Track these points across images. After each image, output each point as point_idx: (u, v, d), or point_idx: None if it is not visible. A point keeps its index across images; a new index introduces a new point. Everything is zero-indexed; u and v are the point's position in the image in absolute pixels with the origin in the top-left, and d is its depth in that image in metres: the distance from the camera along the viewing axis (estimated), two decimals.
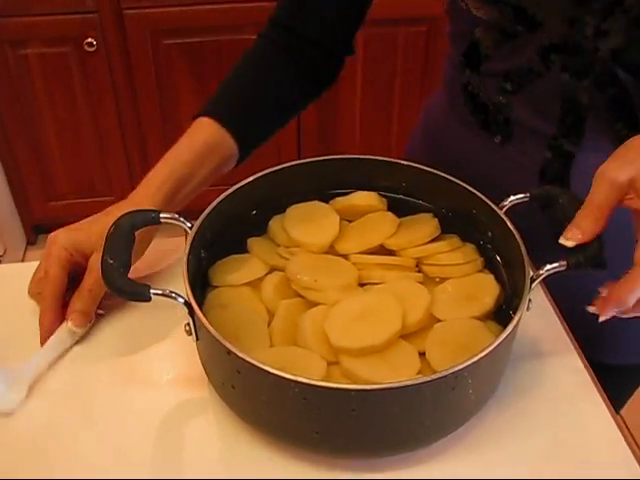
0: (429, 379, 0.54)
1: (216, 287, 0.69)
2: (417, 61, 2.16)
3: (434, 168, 0.75)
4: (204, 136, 0.80)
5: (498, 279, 0.69)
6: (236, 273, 0.70)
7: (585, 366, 0.71)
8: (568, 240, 0.58)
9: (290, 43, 0.85)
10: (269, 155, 2.22)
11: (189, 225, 0.67)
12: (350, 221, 0.76)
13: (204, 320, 0.57)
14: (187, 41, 2.03)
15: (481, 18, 0.78)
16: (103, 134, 2.17)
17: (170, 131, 2.18)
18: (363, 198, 0.77)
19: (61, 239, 0.71)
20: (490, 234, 0.72)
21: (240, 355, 0.55)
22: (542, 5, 0.73)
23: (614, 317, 0.57)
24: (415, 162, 0.78)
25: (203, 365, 0.65)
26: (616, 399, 1.01)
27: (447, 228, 0.75)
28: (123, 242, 0.63)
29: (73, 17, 1.95)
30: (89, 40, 1.97)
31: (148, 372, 0.70)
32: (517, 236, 0.65)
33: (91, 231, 0.72)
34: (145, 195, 0.74)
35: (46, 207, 2.30)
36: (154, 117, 2.16)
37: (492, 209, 0.69)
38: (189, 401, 0.67)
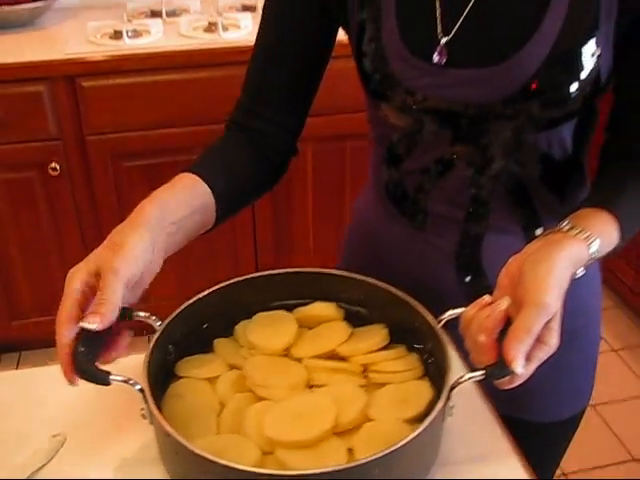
0: (336, 469, 0.61)
1: (179, 378, 0.78)
2: (363, 173, 2.29)
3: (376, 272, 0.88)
4: (186, 180, 0.88)
5: (435, 385, 0.76)
6: (198, 369, 0.80)
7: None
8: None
9: (251, 138, 0.98)
10: (228, 264, 2.34)
11: (158, 323, 0.76)
12: (310, 328, 0.86)
13: (152, 405, 0.66)
14: (146, 163, 2.15)
15: (397, 125, 0.91)
16: (66, 253, 2.24)
17: None
18: (322, 309, 0.88)
19: (77, 274, 0.75)
20: (430, 345, 0.79)
21: (176, 437, 0.62)
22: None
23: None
24: (349, 252, 0.97)
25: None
26: (554, 453, 1.10)
27: (396, 338, 0.84)
28: (96, 334, 0.69)
29: (38, 144, 2.07)
30: (53, 165, 2.08)
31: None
32: (447, 348, 0.73)
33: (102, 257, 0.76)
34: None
35: (9, 326, 2.34)
36: None
37: (430, 323, 0.78)
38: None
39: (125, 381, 0.68)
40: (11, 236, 2.19)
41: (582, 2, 0.79)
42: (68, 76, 2.00)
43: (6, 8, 2.19)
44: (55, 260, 2.26)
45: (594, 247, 0.75)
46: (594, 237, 0.75)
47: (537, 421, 1.05)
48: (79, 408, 0.83)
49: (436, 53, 0.84)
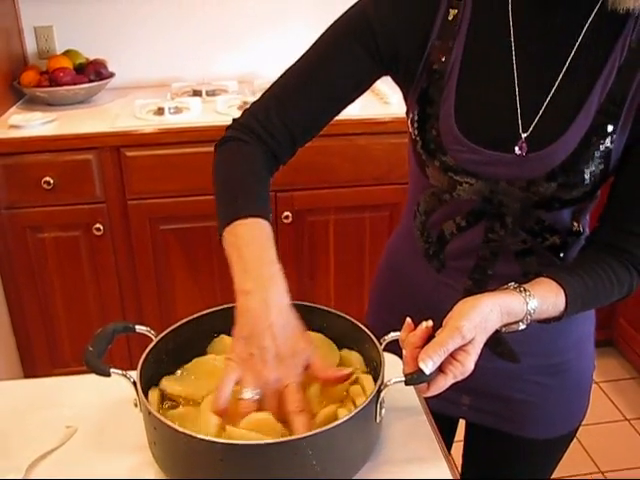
0: (274, 442, 0.77)
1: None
2: (382, 241, 2.47)
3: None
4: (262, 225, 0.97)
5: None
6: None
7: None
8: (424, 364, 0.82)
9: (263, 145, 1.05)
10: None
11: (155, 335, 0.95)
12: None
13: (140, 393, 0.84)
14: (180, 227, 2.36)
15: (434, 183, 1.06)
16: (105, 308, 2.45)
17: (165, 307, 2.47)
18: None
19: None
20: (376, 361, 0.94)
21: (153, 413, 0.80)
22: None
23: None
24: (379, 286, 1.21)
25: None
26: (545, 468, 1.27)
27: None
28: (104, 339, 0.92)
29: (85, 207, 2.30)
30: (97, 226, 2.31)
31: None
32: (383, 359, 0.89)
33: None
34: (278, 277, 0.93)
35: (51, 373, 2.52)
36: (151, 294, 2.45)
37: (375, 344, 0.93)
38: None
39: (123, 374, 0.86)
40: (56, 289, 2.40)
41: (610, 101, 0.95)
42: (114, 146, 2.23)
43: (66, 88, 2.46)
44: (95, 313, 2.45)
45: (532, 304, 0.90)
46: (532, 296, 0.90)
47: (532, 437, 1.19)
48: (89, 409, 1.01)
49: (517, 147, 0.97)
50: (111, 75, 2.63)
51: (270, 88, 1.08)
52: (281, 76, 1.08)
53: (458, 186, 1.03)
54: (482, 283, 1.09)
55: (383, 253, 1.30)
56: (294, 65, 1.07)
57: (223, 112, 2.34)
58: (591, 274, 0.97)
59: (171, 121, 2.29)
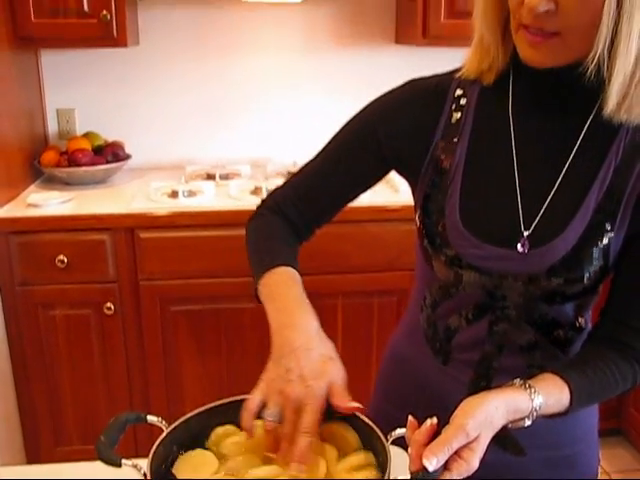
0: None
1: None
2: (390, 326, 2.47)
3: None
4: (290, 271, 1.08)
5: None
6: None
7: None
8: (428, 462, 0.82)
9: (289, 221, 1.18)
10: None
11: (166, 426, 0.96)
12: None
13: None
14: (191, 308, 2.38)
15: (440, 277, 1.09)
16: (112, 387, 2.45)
17: (172, 390, 2.46)
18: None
19: None
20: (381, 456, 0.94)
21: None
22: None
23: None
24: (383, 378, 1.26)
25: None
26: None
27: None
28: (116, 429, 0.93)
29: (97, 286, 2.33)
30: (108, 305, 2.33)
31: None
32: (390, 455, 0.90)
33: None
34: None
35: (54, 451, 2.51)
36: (159, 375, 2.45)
37: (382, 440, 0.93)
38: None
39: (134, 466, 0.88)
40: (64, 366, 2.41)
41: (607, 200, 0.98)
42: (129, 228, 2.28)
43: (84, 168, 2.54)
44: (101, 393, 2.45)
45: (537, 401, 0.90)
46: (538, 393, 0.91)
47: None
48: None
49: (520, 244, 1.01)
50: (128, 157, 2.70)
51: (291, 178, 1.22)
52: (301, 168, 1.21)
53: (464, 280, 1.05)
54: (487, 376, 1.10)
55: (388, 344, 1.32)
56: (313, 160, 1.20)
57: (235, 197, 2.40)
58: (595, 369, 0.98)
59: (184, 204, 2.34)
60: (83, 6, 2.36)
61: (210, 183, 2.52)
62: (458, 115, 1.07)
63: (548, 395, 0.92)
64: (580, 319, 1.08)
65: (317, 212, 1.20)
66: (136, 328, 2.39)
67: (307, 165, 1.20)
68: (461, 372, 1.13)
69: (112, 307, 2.34)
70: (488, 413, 0.86)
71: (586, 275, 0.99)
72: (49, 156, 2.59)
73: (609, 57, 0.88)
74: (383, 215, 2.34)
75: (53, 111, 2.81)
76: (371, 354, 2.52)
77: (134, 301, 2.36)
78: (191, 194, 2.41)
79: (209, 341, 2.42)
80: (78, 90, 2.80)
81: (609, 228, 0.98)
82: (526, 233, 1.01)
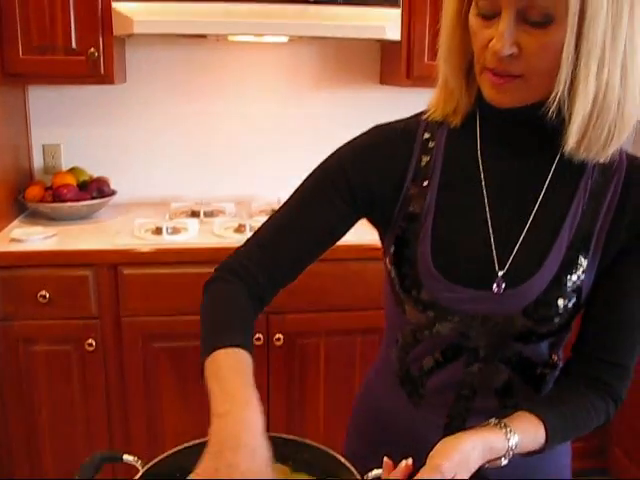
0: None
1: None
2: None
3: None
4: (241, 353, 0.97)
5: None
6: None
7: None
8: None
9: (246, 286, 1.08)
10: None
11: (142, 465, 0.95)
12: None
13: None
14: (173, 345, 2.38)
15: (412, 320, 1.09)
16: (91, 424, 2.42)
17: (153, 428, 2.43)
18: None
19: None
20: None
21: None
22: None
23: None
24: (356, 418, 1.24)
25: None
26: None
27: None
28: (92, 468, 0.94)
29: (79, 322, 2.32)
30: (90, 341, 2.32)
31: None
32: None
33: None
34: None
35: None
36: (139, 413, 2.43)
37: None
38: None
39: None
40: (43, 402, 2.38)
41: (579, 237, 1.01)
42: (112, 264, 2.28)
43: (69, 204, 2.54)
44: (81, 429, 2.42)
45: (513, 441, 0.92)
46: (514, 432, 0.92)
47: None
48: None
49: (495, 285, 1.02)
50: (113, 193, 2.71)
51: (255, 233, 1.13)
52: (265, 222, 1.13)
53: (437, 323, 1.06)
54: (461, 418, 1.11)
55: (362, 384, 1.32)
56: (277, 212, 1.12)
57: (219, 234, 2.40)
58: (569, 406, 1.00)
59: (168, 241, 2.35)
60: (71, 43, 2.39)
61: (194, 220, 2.53)
62: (427, 158, 1.07)
63: (524, 434, 0.93)
64: (554, 356, 1.10)
65: (283, 272, 1.11)
66: (117, 364, 2.38)
67: (271, 219, 1.13)
68: (435, 414, 1.13)
69: (93, 343, 2.32)
70: (464, 454, 0.87)
71: (560, 312, 1.01)
72: (34, 191, 2.59)
73: (569, 98, 0.91)
74: (366, 253, 2.34)
75: (39, 146, 2.83)
76: (353, 393, 2.51)
77: (116, 337, 2.35)
78: (175, 231, 2.42)
79: (191, 378, 2.40)
80: (64, 126, 2.82)
81: (582, 265, 1.01)
82: (501, 273, 1.03)
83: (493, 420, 0.94)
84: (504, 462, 0.92)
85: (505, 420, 0.94)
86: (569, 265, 1.01)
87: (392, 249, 1.09)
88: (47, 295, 2.26)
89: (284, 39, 2.63)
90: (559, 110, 0.92)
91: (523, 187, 1.04)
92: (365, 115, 2.80)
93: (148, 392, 2.41)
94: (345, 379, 2.50)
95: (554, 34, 0.88)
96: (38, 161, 2.84)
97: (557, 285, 1.00)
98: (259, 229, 1.13)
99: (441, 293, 1.04)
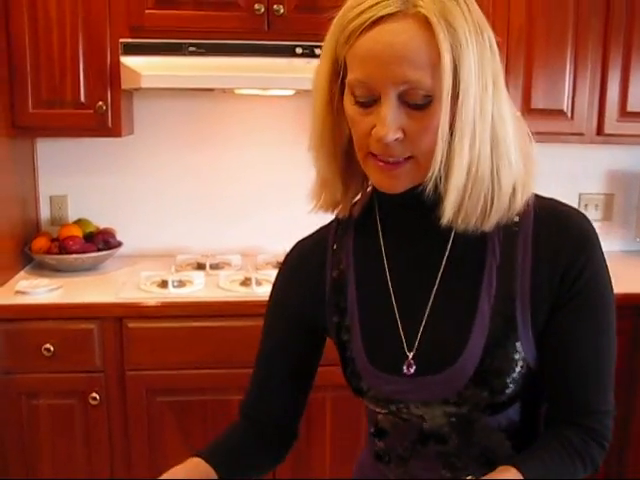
0: None
1: None
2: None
3: None
4: (195, 461, 1.06)
5: None
6: None
7: None
8: None
9: (255, 428, 1.16)
10: None
11: None
12: None
13: None
14: (177, 399, 2.35)
15: (377, 411, 1.09)
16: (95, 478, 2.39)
17: None
18: None
19: None
20: None
21: None
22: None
23: None
24: None
25: None
26: None
27: None
28: None
29: (83, 375, 2.30)
30: (94, 395, 2.30)
31: None
32: None
33: None
34: None
35: None
36: (143, 467, 2.39)
37: None
38: None
39: None
40: (45, 457, 2.35)
41: (500, 320, 0.98)
42: (117, 317, 2.27)
43: (74, 256, 2.54)
44: None
45: None
46: None
47: None
48: None
49: (405, 366, 1.02)
50: (119, 244, 2.71)
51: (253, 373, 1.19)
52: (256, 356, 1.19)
53: (389, 413, 1.06)
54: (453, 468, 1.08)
55: (355, 464, 1.30)
56: (259, 346, 1.18)
57: (225, 287, 2.40)
58: (551, 453, 0.97)
59: (174, 294, 2.34)
60: (80, 97, 2.42)
61: (200, 273, 2.53)
62: (340, 266, 1.10)
63: None
64: (526, 420, 1.06)
65: (282, 404, 1.17)
66: (121, 419, 2.35)
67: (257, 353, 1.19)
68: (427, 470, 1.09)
69: (97, 397, 2.30)
70: None
71: (509, 380, 0.98)
72: (40, 242, 2.60)
73: (445, 174, 0.91)
74: None
75: (46, 197, 2.84)
76: (360, 448, 2.47)
77: (120, 391, 2.32)
78: (181, 284, 2.41)
79: (196, 433, 2.37)
80: (71, 177, 2.83)
81: (513, 328, 0.98)
82: (410, 354, 1.02)
83: (470, 477, 0.92)
84: None
85: (485, 477, 0.92)
86: (500, 332, 0.98)
87: (340, 357, 1.11)
88: (51, 348, 2.24)
89: (290, 92, 2.66)
90: (436, 186, 0.93)
91: (423, 266, 1.04)
92: None
93: (152, 447, 2.38)
94: (352, 435, 2.46)
95: (435, 114, 0.89)
96: (45, 212, 2.85)
97: (493, 355, 0.98)
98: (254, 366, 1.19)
99: (383, 387, 1.04)
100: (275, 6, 2.39)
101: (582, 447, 0.98)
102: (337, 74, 0.97)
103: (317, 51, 2.37)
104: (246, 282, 2.41)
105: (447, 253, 1.02)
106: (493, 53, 0.92)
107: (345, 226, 1.12)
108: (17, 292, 2.32)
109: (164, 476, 1.00)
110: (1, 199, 2.44)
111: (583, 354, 0.99)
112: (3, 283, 2.44)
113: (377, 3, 0.88)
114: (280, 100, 2.86)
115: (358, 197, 1.09)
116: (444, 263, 1.02)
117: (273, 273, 2.42)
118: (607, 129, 2.67)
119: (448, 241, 1.02)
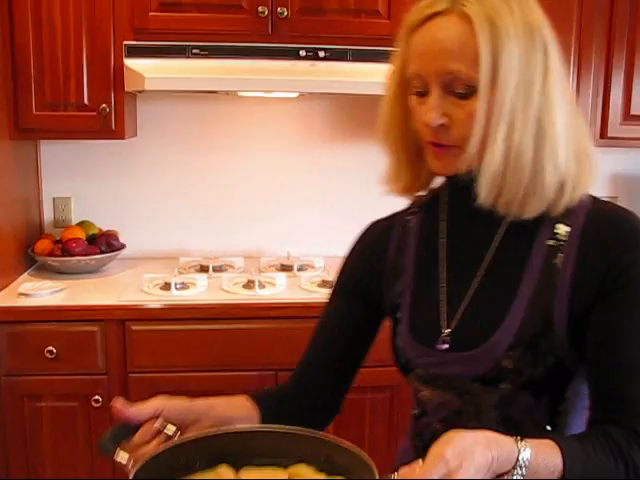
0: None
1: None
2: (382, 422, 2.44)
3: None
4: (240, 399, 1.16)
5: None
6: None
7: None
8: None
9: (304, 393, 1.21)
10: None
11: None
12: None
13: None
14: None
15: (419, 388, 1.13)
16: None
17: None
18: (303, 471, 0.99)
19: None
20: None
21: None
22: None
23: None
24: None
25: None
26: None
27: None
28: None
29: (85, 378, 2.30)
30: (96, 397, 2.29)
31: None
32: None
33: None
34: None
35: None
36: None
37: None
38: None
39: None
40: (47, 457, 2.34)
41: (539, 299, 1.01)
42: (120, 320, 2.27)
43: (77, 258, 2.54)
44: None
45: (525, 454, 0.86)
46: (527, 446, 0.87)
47: None
48: None
49: (440, 342, 1.07)
50: (122, 247, 2.71)
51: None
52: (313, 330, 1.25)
53: (429, 391, 1.11)
54: None
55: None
56: (318, 320, 1.25)
57: (228, 289, 2.40)
58: (591, 440, 0.94)
59: (177, 297, 2.34)
60: (83, 99, 2.42)
61: (203, 275, 2.53)
62: (404, 242, 1.18)
63: (538, 449, 0.88)
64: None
65: (330, 378, 1.22)
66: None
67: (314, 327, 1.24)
68: None
69: (100, 399, 2.29)
70: (467, 443, 0.83)
71: (538, 364, 1.00)
72: (43, 245, 2.60)
73: (479, 158, 0.98)
74: None
75: (50, 199, 2.84)
76: (363, 450, 2.47)
77: (123, 393, 2.31)
78: (184, 286, 2.41)
79: None
80: (75, 179, 2.83)
81: (549, 317, 1.00)
82: (447, 331, 1.07)
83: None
84: (515, 477, 0.86)
85: (524, 437, 0.89)
86: (535, 319, 1.01)
87: (392, 332, 1.18)
88: (54, 350, 2.24)
89: (294, 94, 2.66)
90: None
91: (476, 252, 1.09)
92: (375, 169, 2.80)
93: None
94: (354, 437, 2.45)
95: (477, 103, 0.96)
96: (48, 214, 2.86)
97: (525, 337, 1.01)
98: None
99: (419, 359, 1.10)
100: (279, 9, 2.39)
101: (627, 450, 0.94)
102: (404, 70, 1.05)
103: (321, 54, 2.37)
104: (249, 285, 2.40)
105: (499, 239, 1.08)
106: (547, 53, 0.99)
107: (415, 209, 1.20)
108: (20, 294, 2.32)
109: (210, 400, 1.11)
110: (4, 201, 2.44)
111: (630, 346, 0.99)
112: (6, 285, 2.44)
113: (432, 3, 0.99)
114: (284, 102, 2.86)
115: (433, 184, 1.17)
116: (494, 249, 1.08)
117: (276, 276, 2.45)
118: (610, 132, 2.67)
119: (500, 227, 1.07)
